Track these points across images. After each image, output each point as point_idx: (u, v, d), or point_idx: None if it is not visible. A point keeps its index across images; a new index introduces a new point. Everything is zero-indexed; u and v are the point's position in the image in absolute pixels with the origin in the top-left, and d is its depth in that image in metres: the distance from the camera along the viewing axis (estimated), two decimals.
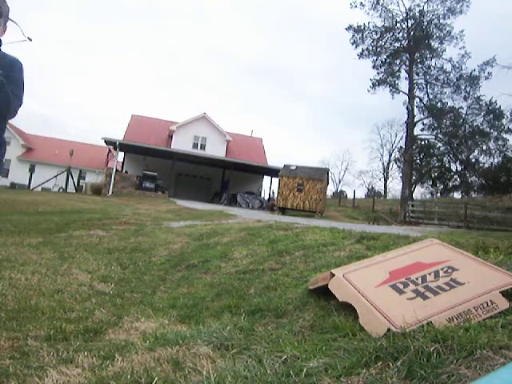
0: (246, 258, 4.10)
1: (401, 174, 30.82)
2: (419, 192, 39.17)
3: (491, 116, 24.72)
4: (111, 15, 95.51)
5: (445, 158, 28.21)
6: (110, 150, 29.93)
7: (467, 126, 25.46)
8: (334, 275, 2.26)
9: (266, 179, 28.53)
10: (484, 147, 26.01)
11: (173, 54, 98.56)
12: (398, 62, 26.36)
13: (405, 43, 25.79)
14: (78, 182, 25.36)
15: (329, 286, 2.23)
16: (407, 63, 25.85)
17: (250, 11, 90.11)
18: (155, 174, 21.53)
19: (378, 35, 25.92)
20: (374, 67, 26.41)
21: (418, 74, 26.12)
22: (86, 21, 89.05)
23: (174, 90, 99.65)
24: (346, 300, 2.05)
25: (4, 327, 2.16)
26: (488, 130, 25.18)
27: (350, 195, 44.12)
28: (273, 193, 25.64)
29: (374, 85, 26.50)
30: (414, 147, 26.30)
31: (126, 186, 21.08)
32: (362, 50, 26.37)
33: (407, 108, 25.53)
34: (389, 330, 1.65)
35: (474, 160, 26.99)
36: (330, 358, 1.50)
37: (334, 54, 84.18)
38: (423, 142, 28.05)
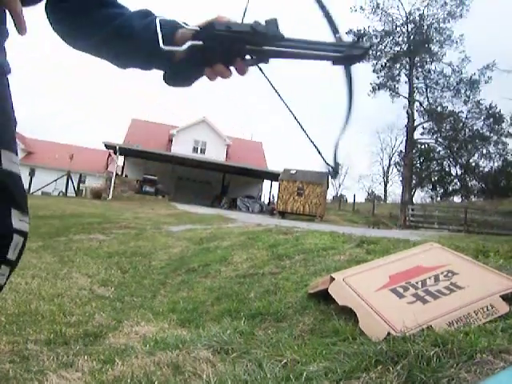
0: (246, 261, 4.10)
1: (401, 178, 30.85)
2: (419, 196, 39.21)
3: (491, 120, 24.83)
4: None
5: (445, 162, 28.32)
6: (109, 154, 30.02)
7: (467, 130, 25.58)
8: (333, 279, 2.26)
9: (266, 183, 28.48)
10: (484, 151, 26.15)
11: None
12: (397, 65, 26.46)
13: (405, 47, 25.90)
14: (78, 186, 25.35)
15: (329, 290, 2.23)
16: (407, 67, 25.96)
17: (250, 16, 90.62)
18: (155, 177, 21.52)
19: (378, 39, 26.03)
20: (373, 71, 26.52)
21: (417, 78, 26.23)
22: None
23: (174, 92, 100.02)
24: (345, 304, 2.05)
25: (4, 331, 2.16)
26: (488, 133, 25.30)
27: (350, 199, 44.09)
28: (273, 197, 25.63)
29: (373, 89, 26.61)
30: (414, 151, 26.38)
31: (126, 190, 21.06)
32: None
33: (407, 112, 25.62)
34: (389, 333, 1.65)
35: (473, 164, 27.11)
36: (330, 362, 1.50)
37: None
38: (423, 146, 28.14)
